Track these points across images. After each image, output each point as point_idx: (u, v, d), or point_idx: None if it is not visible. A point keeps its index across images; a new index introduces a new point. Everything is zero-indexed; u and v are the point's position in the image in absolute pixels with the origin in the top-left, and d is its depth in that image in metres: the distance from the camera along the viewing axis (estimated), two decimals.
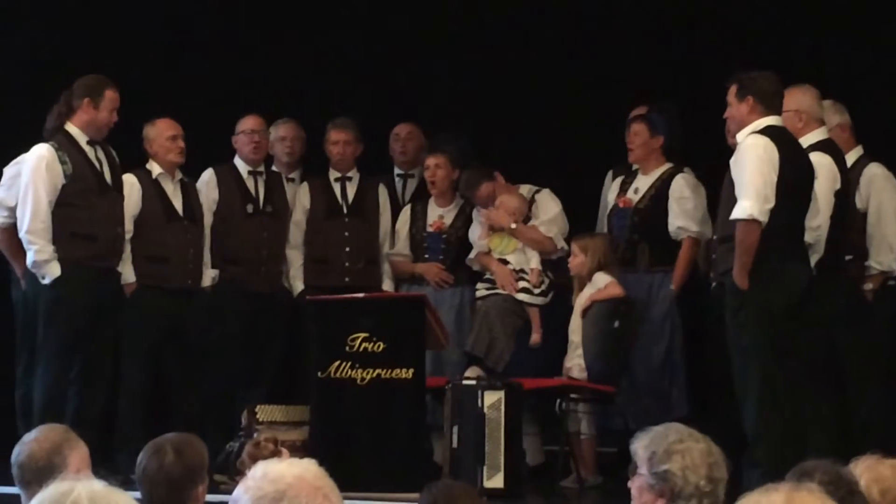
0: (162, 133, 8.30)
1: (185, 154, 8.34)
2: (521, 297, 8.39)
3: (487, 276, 8.52)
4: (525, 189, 8.70)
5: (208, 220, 8.53)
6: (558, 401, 7.74)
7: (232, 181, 8.72)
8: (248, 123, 8.78)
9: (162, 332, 8.18)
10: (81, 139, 7.82)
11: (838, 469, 3.91)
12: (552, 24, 9.48)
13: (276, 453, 5.70)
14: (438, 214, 8.87)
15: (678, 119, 8.50)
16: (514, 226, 8.44)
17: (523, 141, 9.44)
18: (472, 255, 8.63)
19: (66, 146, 7.75)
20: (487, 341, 8.23)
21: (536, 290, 8.41)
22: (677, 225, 8.27)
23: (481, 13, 9.66)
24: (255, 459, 5.60)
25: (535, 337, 8.37)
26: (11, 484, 4.54)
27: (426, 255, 8.83)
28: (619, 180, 8.58)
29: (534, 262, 8.46)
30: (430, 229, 8.84)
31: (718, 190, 7.27)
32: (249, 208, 8.69)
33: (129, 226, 8.10)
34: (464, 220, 8.81)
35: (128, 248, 8.08)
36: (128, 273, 8.08)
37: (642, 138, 8.40)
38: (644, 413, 7.94)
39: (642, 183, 8.44)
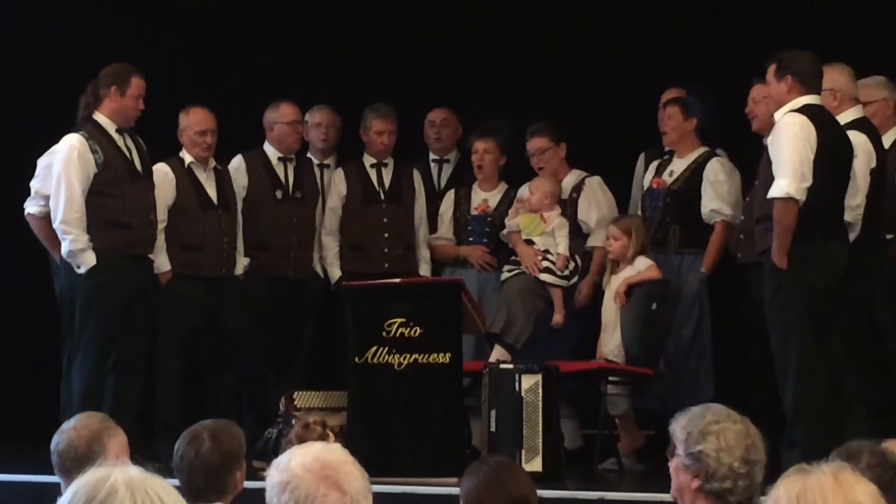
0: (192, 126, 8.30)
1: (212, 150, 8.33)
2: (544, 277, 8.38)
3: (515, 257, 8.52)
4: (574, 174, 8.67)
5: (238, 206, 8.53)
6: (605, 383, 7.75)
7: (262, 167, 8.72)
8: (290, 114, 8.75)
9: (197, 321, 8.21)
10: (110, 128, 7.84)
11: (885, 451, 3.88)
12: (584, 6, 9.44)
13: (324, 436, 5.69)
14: (483, 198, 8.86)
15: (712, 101, 8.46)
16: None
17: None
18: (504, 231, 8.64)
19: (96, 135, 7.77)
20: (505, 318, 8.22)
21: (560, 272, 8.39)
22: (710, 208, 8.23)
23: None
24: (302, 441, 5.60)
25: (557, 318, 8.36)
26: (52, 472, 4.55)
27: (470, 239, 8.84)
28: (655, 163, 8.55)
29: (561, 247, 8.44)
30: (474, 212, 8.84)
31: (750, 173, 7.22)
32: (279, 194, 8.69)
33: (163, 215, 8.11)
34: (508, 203, 8.79)
35: (161, 237, 8.10)
36: (162, 262, 8.11)
37: (676, 121, 8.38)
38: (673, 395, 7.94)
39: (677, 165, 8.42)
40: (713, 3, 9.14)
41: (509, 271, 8.51)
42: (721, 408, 3.87)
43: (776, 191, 6.70)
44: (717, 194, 8.24)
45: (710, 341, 8.24)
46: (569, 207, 8.57)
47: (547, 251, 8.43)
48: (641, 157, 8.79)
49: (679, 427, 3.85)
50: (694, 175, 8.33)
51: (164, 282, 8.15)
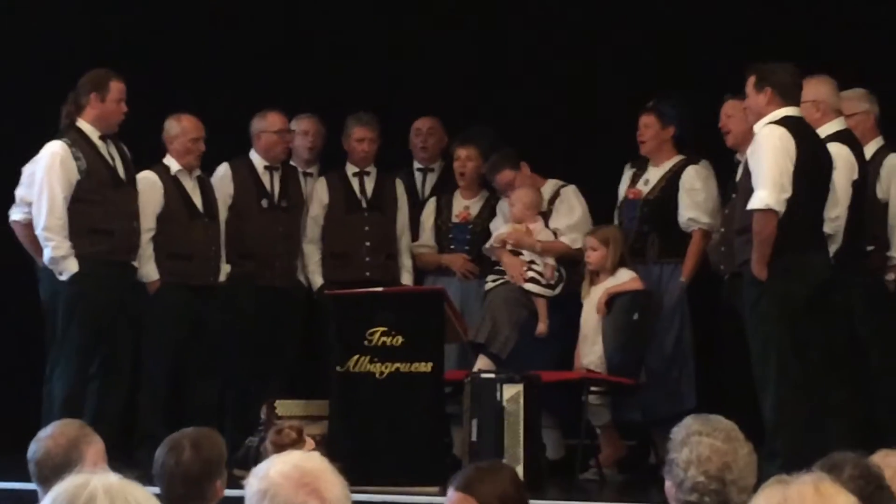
0: (186, 133, 8.29)
1: (200, 157, 8.35)
2: (529, 287, 8.38)
3: (498, 266, 8.52)
4: (551, 184, 8.68)
5: (223, 214, 8.53)
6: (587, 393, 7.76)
7: (247, 176, 8.71)
8: (278, 123, 8.74)
9: (184, 329, 8.21)
10: (93, 135, 7.83)
11: (868, 463, 3.87)
12: (569, 15, 9.45)
13: (298, 442, 5.68)
14: (464, 206, 8.88)
15: (687, 109, 8.46)
16: (539, 248, 8.42)
17: (539, 135, 9.40)
18: (487, 244, 8.62)
19: (79, 142, 7.77)
20: (489, 328, 8.22)
21: (544, 281, 8.39)
22: (688, 216, 8.24)
23: (496, 6, 9.63)
24: (277, 447, 5.59)
25: (541, 327, 8.35)
26: (30, 480, 4.53)
27: (451, 246, 8.85)
28: (630, 172, 8.55)
29: (549, 258, 8.45)
30: (455, 220, 8.86)
31: (727, 181, 7.23)
32: (264, 203, 8.68)
33: (151, 223, 8.11)
34: (489, 211, 8.81)
35: (150, 246, 8.09)
36: (151, 271, 8.10)
37: (653, 130, 8.38)
38: (654, 405, 7.95)
39: (653, 174, 8.42)
40: (698, 13, 9.15)
41: (493, 281, 8.51)
42: (719, 421, 3.76)
43: (756, 202, 6.71)
44: (694, 202, 8.24)
45: (692, 351, 8.24)
46: (549, 217, 8.58)
47: (532, 262, 8.43)
48: (627, 168, 8.78)
49: (672, 431, 3.82)
50: (670, 184, 8.33)
51: (152, 291, 8.13)
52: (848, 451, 3.96)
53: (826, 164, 6.93)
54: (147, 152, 8.31)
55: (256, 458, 6.75)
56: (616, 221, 8.52)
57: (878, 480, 3.79)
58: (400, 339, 7.32)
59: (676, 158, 8.40)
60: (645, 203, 8.36)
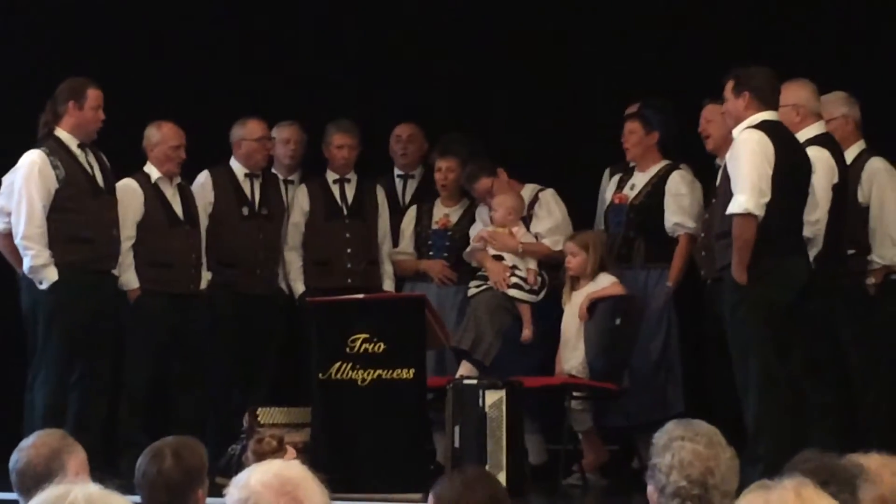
0: (166, 140, 8.29)
1: (181, 165, 8.34)
2: (513, 293, 8.38)
3: (481, 272, 8.51)
4: (529, 188, 8.68)
5: (204, 222, 8.52)
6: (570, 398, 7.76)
7: (228, 183, 8.70)
8: (258, 130, 8.72)
9: (165, 337, 8.19)
10: (72, 143, 7.82)
11: (824, 459, 3.87)
12: (553, 21, 9.46)
13: (278, 450, 5.67)
14: (444, 213, 8.88)
15: (672, 114, 8.48)
16: (521, 249, 8.42)
17: (521, 140, 9.41)
18: (468, 249, 8.62)
19: (58, 151, 7.75)
20: (473, 335, 8.21)
21: (527, 287, 8.39)
22: (674, 221, 8.25)
23: (479, 11, 9.64)
24: (258, 456, 5.59)
25: (526, 333, 8.35)
26: (12, 490, 4.51)
27: (430, 253, 8.86)
28: (616, 178, 8.57)
29: (531, 262, 8.45)
30: (435, 227, 8.86)
31: (707, 186, 7.24)
32: (245, 211, 8.67)
33: (131, 231, 8.09)
34: (469, 218, 8.81)
35: (130, 254, 8.08)
36: (131, 279, 8.09)
37: (637, 136, 8.40)
38: (641, 410, 7.95)
39: (639, 180, 8.44)
40: (677, 18, 9.17)
41: (476, 287, 8.50)
42: (701, 426, 3.77)
43: (735, 206, 6.72)
44: (680, 207, 8.26)
45: (679, 356, 8.25)
46: (529, 222, 8.59)
47: (515, 267, 8.43)
48: (607, 173, 8.79)
49: (655, 436, 3.82)
50: (656, 189, 8.35)
51: (132, 299, 8.12)
52: (813, 449, 3.97)
53: (805, 167, 6.95)
54: (127, 160, 8.29)
55: (238, 466, 6.75)
56: (602, 226, 8.55)
57: (828, 473, 3.78)
58: (381, 346, 7.30)
59: (662, 163, 8.42)
60: (631, 208, 8.38)
